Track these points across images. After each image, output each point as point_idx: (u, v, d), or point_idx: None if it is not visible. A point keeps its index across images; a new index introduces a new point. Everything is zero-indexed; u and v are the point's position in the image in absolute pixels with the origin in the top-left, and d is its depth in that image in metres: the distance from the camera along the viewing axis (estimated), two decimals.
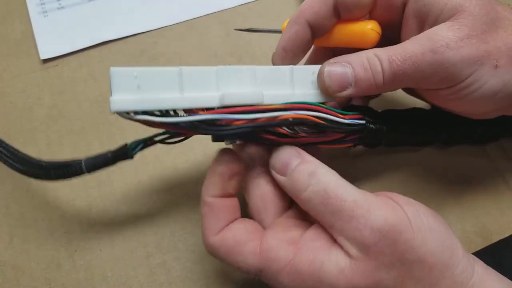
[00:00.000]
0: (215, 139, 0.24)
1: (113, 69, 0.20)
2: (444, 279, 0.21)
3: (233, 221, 0.24)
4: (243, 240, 0.23)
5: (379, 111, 0.28)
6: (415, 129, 0.29)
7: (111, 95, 0.20)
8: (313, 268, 0.22)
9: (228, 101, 0.22)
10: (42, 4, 0.40)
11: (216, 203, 0.24)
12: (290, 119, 0.22)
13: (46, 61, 0.37)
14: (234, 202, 0.25)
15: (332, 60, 0.25)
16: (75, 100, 0.35)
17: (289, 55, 0.27)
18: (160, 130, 0.24)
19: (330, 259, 0.22)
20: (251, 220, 0.25)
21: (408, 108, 0.30)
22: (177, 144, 0.33)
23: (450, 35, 0.23)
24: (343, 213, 0.22)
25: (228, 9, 0.41)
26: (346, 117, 0.25)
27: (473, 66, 0.23)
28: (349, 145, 0.27)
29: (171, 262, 0.29)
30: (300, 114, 0.23)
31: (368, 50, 0.24)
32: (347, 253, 0.22)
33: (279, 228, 0.24)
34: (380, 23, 0.26)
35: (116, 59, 0.37)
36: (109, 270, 0.29)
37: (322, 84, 0.25)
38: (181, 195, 0.31)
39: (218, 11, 0.41)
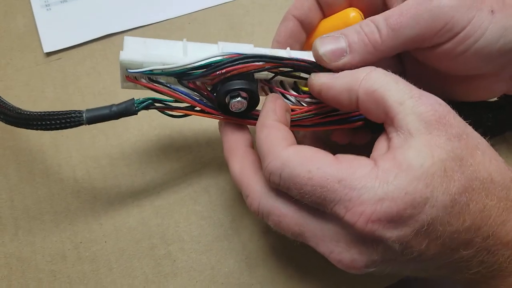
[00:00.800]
0: (220, 94, 0.24)
1: (127, 37, 0.25)
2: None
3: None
4: (319, 154, 0.21)
5: None
6: None
7: (122, 51, 0.24)
8: (397, 161, 0.20)
9: (226, 50, 0.24)
10: None
11: (280, 124, 0.23)
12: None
13: (49, 54, 0.37)
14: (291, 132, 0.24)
15: (326, 33, 0.25)
16: (79, 93, 0.35)
17: (283, 47, 0.28)
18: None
19: (405, 148, 0.21)
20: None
21: None
22: (180, 137, 0.34)
23: None
24: (413, 92, 0.22)
25: (230, 1, 0.41)
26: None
27: (471, 10, 0.23)
28: (358, 123, 0.26)
29: (176, 253, 0.29)
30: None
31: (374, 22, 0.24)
32: (413, 135, 0.21)
33: (344, 155, 0.22)
34: (363, 11, 0.27)
35: (117, 52, 0.37)
36: (114, 262, 0.29)
37: (316, 54, 0.24)
38: (185, 186, 0.31)
39: (220, 4, 0.41)
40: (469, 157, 0.21)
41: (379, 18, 0.24)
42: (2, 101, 0.26)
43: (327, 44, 0.24)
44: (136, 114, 0.25)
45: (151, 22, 0.39)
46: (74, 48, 0.37)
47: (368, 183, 0.20)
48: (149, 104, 0.25)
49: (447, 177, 0.20)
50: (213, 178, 0.32)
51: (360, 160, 0.21)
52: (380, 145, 0.23)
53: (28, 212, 0.30)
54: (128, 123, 0.34)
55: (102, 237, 0.29)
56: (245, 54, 0.24)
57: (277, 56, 0.24)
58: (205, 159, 0.33)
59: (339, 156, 0.22)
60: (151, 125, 0.34)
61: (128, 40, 0.25)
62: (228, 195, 0.31)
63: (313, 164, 0.21)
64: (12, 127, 0.32)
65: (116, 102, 0.34)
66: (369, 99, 0.22)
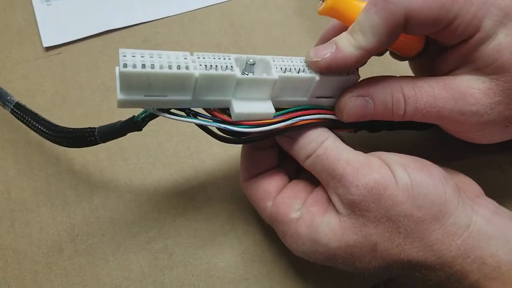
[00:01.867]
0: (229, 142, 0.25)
1: (123, 70, 0.20)
2: (433, 232, 0.22)
3: (267, 171, 0.27)
4: (261, 196, 0.26)
5: None
6: None
7: (118, 92, 0.21)
8: (310, 231, 0.24)
9: (240, 119, 0.23)
10: None
11: (254, 153, 0.26)
12: (298, 126, 0.24)
13: (49, 49, 0.37)
14: (270, 152, 0.27)
15: (355, 91, 0.24)
16: (78, 88, 0.35)
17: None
18: None
19: (323, 221, 0.23)
20: (278, 175, 0.27)
21: None
22: (179, 133, 0.34)
23: (485, 101, 0.23)
24: (336, 172, 0.23)
25: (230, 0, 0.41)
26: None
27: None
28: (351, 130, 0.27)
29: (173, 247, 0.29)
30: (307, 119, 0.24)
31: (395, 81, 0.24)
32: (337, 211, 0.23)
33: (288, 192, 0.26)
34: None
35: (118, 48, 0.37)
36: (111, 255, 0.29)
37: (339, 113, 0.25)
38: (183, 182, 0.32)
39: (221, 2, 0.41)
40: (384, 242, 0.22)
41: (411, 98, 0.24)
42: (42, 118, 0.28)
43: (353, 111, 0.25)
44: (140, 130, 0.25)
45: (151, 19, 0.39)
46: (74, 43, 0.37)
47: (285, 238, 0.25)
48: (150, 118, 0.24)
49: (352, 258, 0.23)
50: (210, 175, 0.32)
51: (284, 216, 0.25)
52: (320, 193, 0.25)
53: (25, 204, 0.30)
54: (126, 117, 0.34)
55: (99, 230, 0.29)
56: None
57: (287, 129, 0.24)
58: (203, 155, 0.33)
59: (276, 204, 0.26)
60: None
61: (125, 74, 0.20)
62: (225, 191, 0.31)
63: (256, 206, 0.27)
64: (9, 120, 0.32)
65: (114, 97, 0.35)
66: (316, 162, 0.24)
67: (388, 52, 0.28)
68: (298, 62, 0.24)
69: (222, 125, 0.23)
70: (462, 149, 0.33)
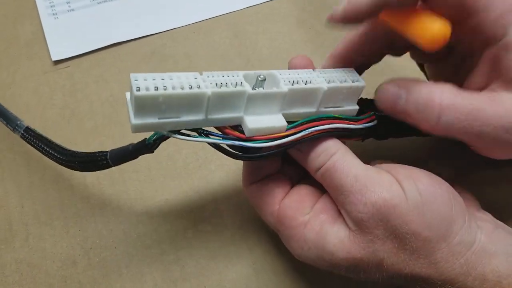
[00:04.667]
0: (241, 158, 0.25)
1: (137, 94, 0.20)
2: (438, 251, 0.22)
3: (268, 177, 0.26)
4: (266, 200, 0.26)
5: None
6: None
7: (132, 117, 0.21)
8: (318, 237, 0.24)
9: (253, 134, 0.23)
10: (52, 6, 0.41)
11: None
12: (310, 136, 0.24)
13: (57, 62, 0.37)
14: (271, 159, 0.26)
15: (394, 79, 0.24)
16: (87, 101, 0.36)
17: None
18: None
19: (333, 230, 0.23)
20: (281, 180, 0.27)
21: None
22: (187, 145, 0.34)
23: None
24: (344, 188, 0.23)
25: (235, 11, 0.42)
26: (359, 122, 0.26)
27: None
28: (358, 138, 0.28)
29: (185, 258, 0.30)
30: (318, 129, 0.24)
31: (436, 85, 0.23)
32: (346, 224, 0.23)
33: (294, 196, 0.26)
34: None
35: (127, 61, 0.38)
36: (124, 267, 0.29)
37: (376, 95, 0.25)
38: (193, 193, 0.32)
39: (226, 14, 0.42)
40: (390, 257, 0.22)
41: (449, 112, 0.22)
42: (53, 143, 0.28)
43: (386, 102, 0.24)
44: (152, 152, 0.25)
45: (158, 31, 0.40)
46: (82, 56, 0.38)
47: (290, 242, 0.25)
48: (162, 139, 0.24)
49: (357, 269, 0.23)
50: (219, 185, 0.33)
51: (292, 221, 0.25)
52: (328, 200, 0.25)
53: (38, 218, 0.30)
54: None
55: (112, 243, 0.30)
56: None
57: (301, 141, 0.24)
58: (211, 166, 0.33)
59: (283, 208, 0.25)
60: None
61: (139, 98, 0.20)
62: (234, 201, 0.32)
63: (260, 211, 0.27)
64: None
65: (124, 109, 0.35)
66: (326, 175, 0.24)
67: (409, 54, 0.28)
68: (304, 74, 0.25)
69: (237, 142, 0.23)
70: (459, 155, 0.34)
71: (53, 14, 0.40)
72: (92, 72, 0.37)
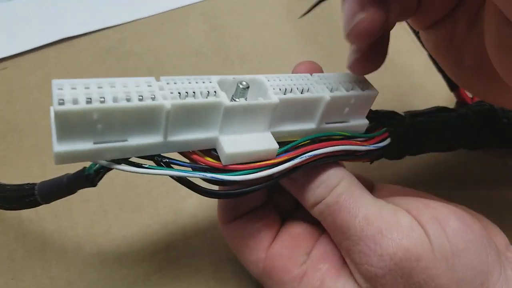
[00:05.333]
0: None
1: (58, 109, 0.15)
2: None
3: (252, 211, 0.22)
4: (250, 245, 0.21)
5: (403, 114, 0.24)
6: (442, 135, 0.26)
7: (54, 142, 0.15)
8: None
9: (232, 161, 0.18)
10: None
11: None
12: (309, 162, 0.19)
13: None
14: None
15: None
16: (27, 111, 0.30)
17: None
18: None
19: (337, 287, 0.19)
20: (269, 216, 0.22)
21: (434, 109, 0.26)
22: (152, 163, 0.28)
23: None
24: (351, 232, 0.19)
25: None
26: (370, 142, 0.21)
27: None
28: (367, 160, 0.23)
29: None
30: (320, 153, 0.19)
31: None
32: (354, 278, 0.19)
33: (285, 239, 0.21)
34: None
35: (78, 60, 0.32)
36: None
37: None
38: (158, 227, 0.26)
39: (200, 1, 0.36)
40: None
41: None
42: None
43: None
44: (95, 185, 0.19)
45: (117, 23, 0.34)
46: (23, 55, 0.32)
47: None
48: (107, 169, 0.18)
49: None
50: (191, 217, 0.27)
51: (284, 274, 0.20)
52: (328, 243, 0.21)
53: None
54: None
55: None
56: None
57: (299, 168, 0.19)
58: (181, 192, 0.27)
59: (271, 256, 0.21)
60: None
61: (61, 114, 0.15)
62: (209, 237, 0.26)
63: (240, 256, 0.22)
64: None
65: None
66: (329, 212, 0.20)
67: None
68: (299, 80, 0.19)
69: (208, 175, 0.17)
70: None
71: None
72: (35, 74, 0.32)
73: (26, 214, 0.26)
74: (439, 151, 0.28)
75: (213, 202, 0.27)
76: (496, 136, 0.28)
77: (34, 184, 0.20)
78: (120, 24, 0.34)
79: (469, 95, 0.32)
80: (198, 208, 0.27)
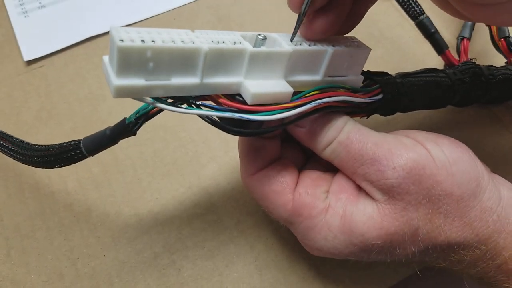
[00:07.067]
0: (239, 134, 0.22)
1: (120, 45, 0.16)
2: (472, 209, 0.21)
3: (272, 163, 0.24)
4: (277, 190, 0.23)
5: (394, 75, 0.26)
6: (432, 94, 0.28)
7: (113, 77, 0.17)
8: (343, 221, 0.21)
9: (257, 100, 0.20)
10: (21, 4, 0.38)
11: (256, 140, 0.23)
12: (318, 109, 0.22)
13: (30, 62, 0.35)
14: (275, 141, 0.24)
15: None
16: (64, 100, 0.33)
17: None
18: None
19: (358, 209, 0.22)
20: (288, 166, 0.24)
21: (423, 70, 0.28)
22: (175, 138, 0.32)
23: None
24: (365, 157, 0.21)
25: None
26: (366, 96, 0.24)
27: None
28: (364, 115, 0.25)
29: (181, 261, 0.27)
30: (325, 102, 0.22)
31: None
32: (372, 198, 0.21)
33: (308, 182, 0.23)
34: None
35: (102, 55, 0.35)
36: (116, 276, 0.27)
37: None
38: (184, 190, 0.30)
39: None
40: (425, 225, 0.21)
41: None
42: (15, 138, 0.25)
43: None
44: (135, 134, 0.22)
45: (136, 21, 0.37)
46: (56, 54, 0.35)
47: (311, 234, 0.22)
48: (145, 118, 0.21)
49: (391, 246, 0.21)
50: (212, 179, 0.30)
51: (312, 210, 0.22)
52: (343, 180, 0.23)
53: (19, 230, 0.28)
54: None
55: (100, 251, 0.28)
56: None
57: (307, 114, 0.22)
58: (202, 160, 0.31)
59: (299, 196, 0.23)
60: (143, 127, 0.32)
61: (122, 51, 0.17)
62: (230, 195, 0.30)
63: (269, 204, 0.23)
64: None
65: (104, 106, 0.33)
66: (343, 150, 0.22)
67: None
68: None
69: (237, 114, 0.20)
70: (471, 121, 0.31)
71: (23, 12, 0.37)
72: (67, 70, 0.35)
73: (71, 186, 0.30)
74: (429, 108, 0.30)
75: (231, 167, 0.31)
76: (482, 92, 0.30)
77: (78, 140, 0.22)
78: (139, 21, 0.37)
79: (456, 57, 0.35)
80: (218, 172, 0.30)
